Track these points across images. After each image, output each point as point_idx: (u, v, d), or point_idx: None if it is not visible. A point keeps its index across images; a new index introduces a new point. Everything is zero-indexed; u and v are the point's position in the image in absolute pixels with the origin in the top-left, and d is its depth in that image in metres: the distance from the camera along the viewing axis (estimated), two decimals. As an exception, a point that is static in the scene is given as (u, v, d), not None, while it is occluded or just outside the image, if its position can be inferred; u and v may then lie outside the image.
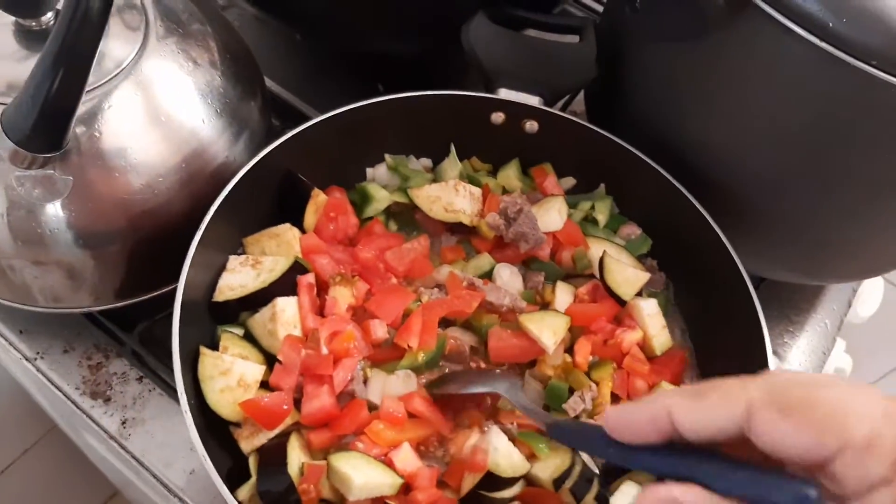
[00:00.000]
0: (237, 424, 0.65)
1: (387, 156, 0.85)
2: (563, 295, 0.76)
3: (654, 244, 0.83)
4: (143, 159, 0.68)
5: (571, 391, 0.71)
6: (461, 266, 0.79)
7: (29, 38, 0.68)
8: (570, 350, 0.73)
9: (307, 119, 0.77)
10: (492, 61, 0.83)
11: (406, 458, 0.64)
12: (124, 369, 0.78)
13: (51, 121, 0.60)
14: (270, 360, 0.68)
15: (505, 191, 0.85)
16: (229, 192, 0.70)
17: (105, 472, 1.20)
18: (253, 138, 0.78)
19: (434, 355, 0.71)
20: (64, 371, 0.78)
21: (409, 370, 0.70)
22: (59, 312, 0.74)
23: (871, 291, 1.03)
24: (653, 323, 0.75)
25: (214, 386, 0.64)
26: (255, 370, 0.65)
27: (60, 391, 0.77)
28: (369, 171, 0.85)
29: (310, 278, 0.71)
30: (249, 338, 0.69)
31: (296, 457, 0.62)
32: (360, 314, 0.73)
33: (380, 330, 0.71)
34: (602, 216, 0.84)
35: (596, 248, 0.79)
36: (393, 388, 0.69)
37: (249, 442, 0.63)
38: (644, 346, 0.75)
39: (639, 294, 0.78)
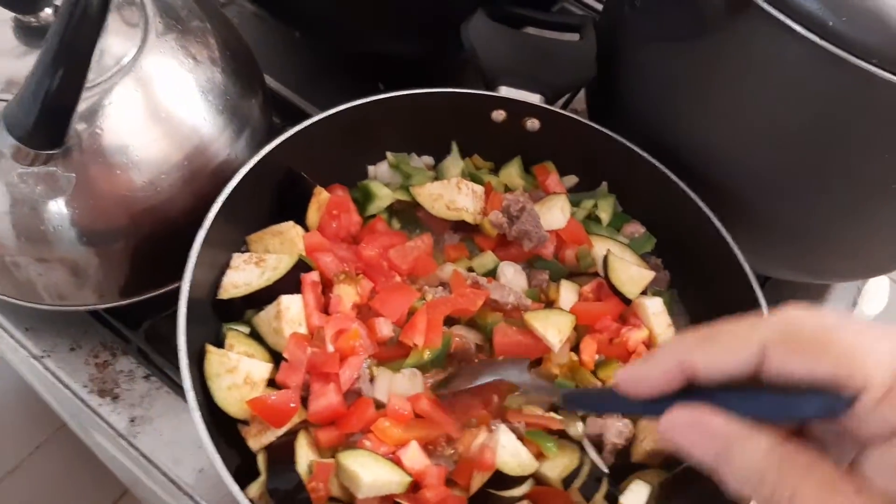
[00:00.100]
0: (245, 422, 0.64)
1: (388, 154, 0.85)
2: (567, 293, 0.77)
3: (657, 242, 0.83)
4: (145, 156, 0.68)
5: (577, 389, 0.71)
6: (465, 264, 0.79)
7: (28, 34, 0.67)
8: (575, 349, 0.74)
9: (308, 117, 0.76)
10: (492, 59, 0.83)
11: (414, 456, 0.64)
12: (131, 367, 0.78)
13: (52, 117, 0.60)
14: (276, 357, 0.67)
15: (507, 189, 0.85)
16: (232, 189, 0.70)
17: (114, 470, 1.19)
18: (254, 136, 0.78)
19: (439, 353, 0.71)
20: (71, 369, 0.77)
21: (415, 368, 0.70)
22: (65, 310, 0.73)
23: (876, 290, 1.03)
24: (658, 321, 0.75)
25: (221, 384, 0.63)
26: (261, 368, 0.65)
27: (69, 389, 0.76)
28: (371, 168, 0.85)
29: (314, 276, 0.71)
30: (255, 336, 0.69)
31: (304, 455, 0.62)
32: (364, 312, 0.73)
33: (385, 328, 0.71)
34: (605, 214, 0.84)
35: (599, 247, 0.80)
36: (399, 386, 0.69)
37: (257, 440, 0.63)
38: (650, 344, 0.75)
39: (644, 293, 0.78)
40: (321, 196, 0.77)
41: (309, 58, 1.07)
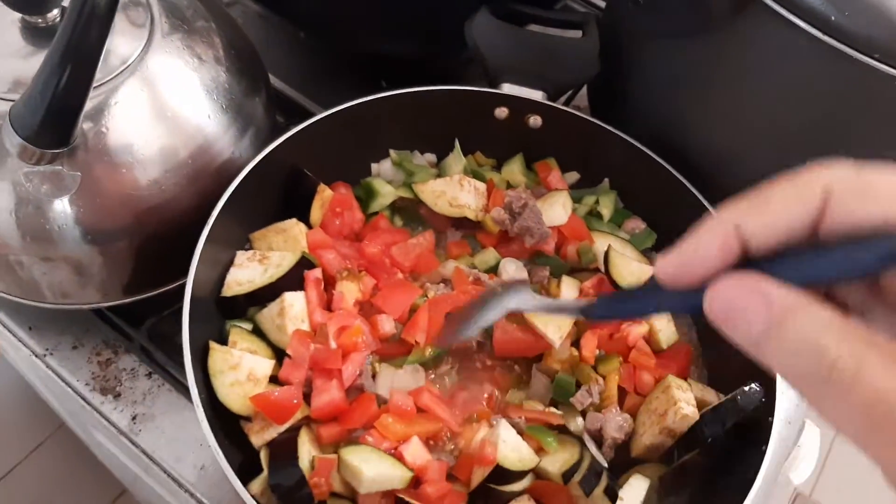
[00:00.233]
0: (248, 419, 0.65)
1: (391, 151, 0.86)
2: (568, 289, 0.77)
3: (658, 238, 0.83)
4: (150, 155, 0.68)
5: (578, 385, 0.71)
6: (467, 261, 0.79)
7: (35, 34, 0.68)
8: (576, 344, 0.74)
9: (311, 115, 0.77)
10: (495, 57, 0.83)
11: (416, 451, 0.64)
12: (133, 365, 0.78)
13: (59, 117, 0.60)
14: (279, 354, 0.68)
15: (509, 185, 0.85)
16: (236, 187, 0.70)
17: (113, 469, 1.20)
18: (258, 134, 0.79)
19: (441, 350, 0.71)
20: (73, 367, 0.78)
21: (417, 364, 0.70)
22: (68, 309, 0.74)
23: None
24: (658, 317, 0.75)
25: (224, 380, 0.64)
26: (264, 364, 0.66)
27: (71, 387, 0.77)
28: (374, 166, 0.86)
29: (317, 273, 0.72)
30: (258, 332, 0.70)
31: (306, 451, 0.63)
32: (367, 309, 0.73)
33: (387, 325, 0.71)
34: (606, 210, 0.84)
35: (601, 243, 0.80)
36: (401, 382, 0.69)
37: (260, 436, 0.64)
38: (650, 339, 0.75)
39: (644, 288, 0.78)
40: (324, 193, 0.78)
41: (313, 57, 1.08)
